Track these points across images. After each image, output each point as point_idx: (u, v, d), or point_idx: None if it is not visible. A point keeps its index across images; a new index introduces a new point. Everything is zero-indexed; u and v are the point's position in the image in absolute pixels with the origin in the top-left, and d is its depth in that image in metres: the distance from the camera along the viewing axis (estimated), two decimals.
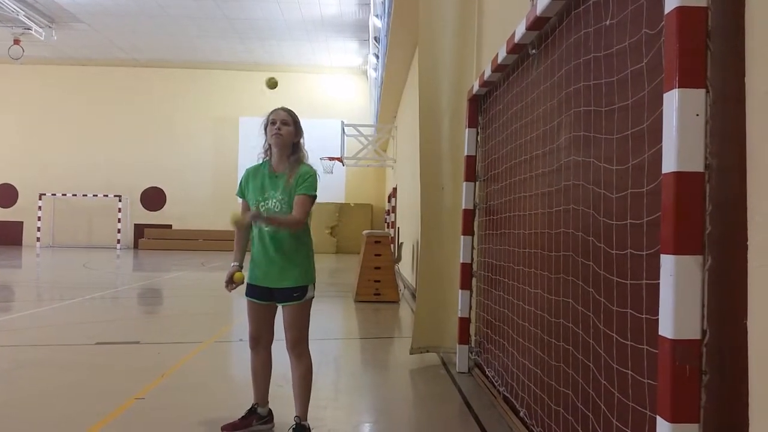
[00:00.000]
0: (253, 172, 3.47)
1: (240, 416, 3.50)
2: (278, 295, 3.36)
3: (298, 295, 3.33)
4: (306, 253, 3.42)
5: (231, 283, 3.40)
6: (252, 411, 3.52)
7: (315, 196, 3.33)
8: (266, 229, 3.32)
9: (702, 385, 1.63)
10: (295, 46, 22.92)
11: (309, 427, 3.36)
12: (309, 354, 3.42)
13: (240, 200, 3.53)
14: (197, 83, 26.59)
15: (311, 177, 3.33)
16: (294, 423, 3.34)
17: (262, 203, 3.34)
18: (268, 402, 3.57)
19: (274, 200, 3.33)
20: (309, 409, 3.38)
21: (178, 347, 5.90)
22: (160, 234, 26.09)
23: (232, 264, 3.45)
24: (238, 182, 3.53)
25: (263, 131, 3.40)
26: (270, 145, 3.41)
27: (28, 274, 14.30)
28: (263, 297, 3.39)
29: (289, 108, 3.47)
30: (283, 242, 3.31)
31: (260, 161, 3.49)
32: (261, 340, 3.48)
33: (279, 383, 4.00)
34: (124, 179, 26.41)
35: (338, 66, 25.74)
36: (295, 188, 3.30)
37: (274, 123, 3.35)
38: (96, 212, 26.49)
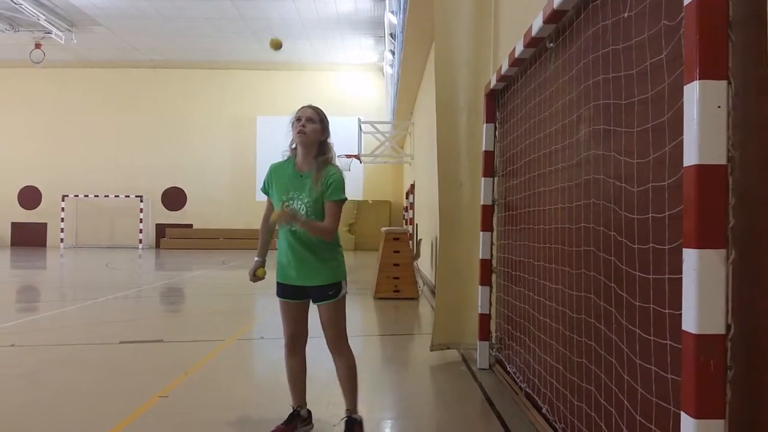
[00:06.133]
0: (276, 169, 3.38)
1: (283, 422, 3.39)
2: (313, 294, 3.32)
3: (333, 293, 3.29)
4: (336, 249, 3.39)
5: (254, 276, 3.45)
6: (294, 415, 3.42)
7: (344, 200, 3.26)
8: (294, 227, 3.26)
9: (727, 381, 1.61)
10: (311, 44, 22.97)
11: (361, 419, 3.34)
12: (349, 349, 3.37)
13: (265, 197, 3.46)
14: (215, 83, 26.80)
15: (337, 180, 3.24)
16: (345, 416, 3.33)
17: (287, 204, 3.27)
18: (306, 403, 3.48)
19: (299, 202, 3.25)
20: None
21: (201, 345, 5.96)
22: (181, 233, 26.38)
23: (256, 259, 3.46)
24: (263, 179, 3.45)
25: (290, 128, 3.32)
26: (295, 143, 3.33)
27: (52, 274, 14.53)
28: (296, 295, 3.34)
29: (317, 106, 3.38)
30: (312, 239, 3.25)
31: (284, 158, 3.41)
32: (299, 339, 3.41)
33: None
34: (145, 180, 26.71)
35: (354, 63, 25.75)
36: (323, 192, 3.22)
37: (299, 120, 3.27)
38: (118, 213, 26.84)
